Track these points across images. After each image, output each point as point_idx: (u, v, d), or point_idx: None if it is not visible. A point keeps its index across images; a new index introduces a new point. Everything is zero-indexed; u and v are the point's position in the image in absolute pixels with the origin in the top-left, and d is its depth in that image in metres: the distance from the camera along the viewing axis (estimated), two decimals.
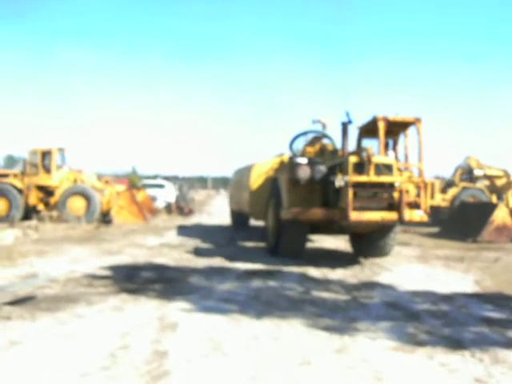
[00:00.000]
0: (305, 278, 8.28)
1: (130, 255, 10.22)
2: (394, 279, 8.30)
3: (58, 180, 18.69)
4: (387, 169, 8.81)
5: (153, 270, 8.64)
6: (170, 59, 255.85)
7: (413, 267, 9.72)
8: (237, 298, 6.65)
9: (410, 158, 10.11)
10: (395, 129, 10.15)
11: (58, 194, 18.41)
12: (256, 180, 12.52)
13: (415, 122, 9.88)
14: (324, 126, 12.03)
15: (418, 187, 9.90)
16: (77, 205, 17.78)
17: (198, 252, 11.02)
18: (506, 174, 21.39)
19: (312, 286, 7.64)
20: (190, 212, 23.51)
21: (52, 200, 18.54)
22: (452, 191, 20.77)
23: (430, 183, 11.23)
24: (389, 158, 9.19)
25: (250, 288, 7.30)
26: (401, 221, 8.86)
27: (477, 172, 21.50)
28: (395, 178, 8.80)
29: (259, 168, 12.69)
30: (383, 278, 8.47)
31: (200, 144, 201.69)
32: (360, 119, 10.50)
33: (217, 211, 28.48)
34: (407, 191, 9.21)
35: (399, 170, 9.41)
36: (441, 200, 20.61)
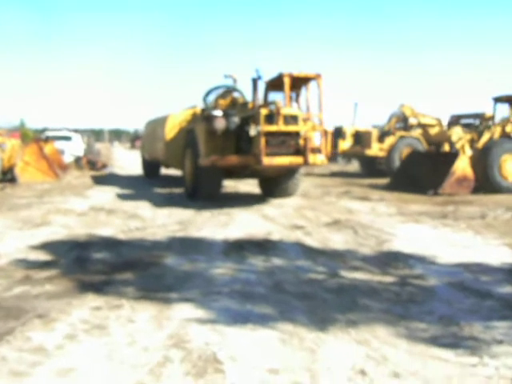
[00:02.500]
0: (307, 250, 6.47)
1: (60, 225, 7.85)
2: (414, 247, 6.70)
3: None
4: (293, 119, 9.82)
5: (105, 247, 6.43)
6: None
7: (412, 229, 8.19)
8: (254, 289, 4.71)
9: (311, 108, 10.83)
10: (298, 83, 10.87)
11: None
12: (171, 130, 12.97)
13: (316, 77, 10.59)
14: (235, 80, 12.54)
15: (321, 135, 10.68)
16: None
17: (141, 216, 8.92)
18: (439, 123, 20.57)
19: (326, 261, 5.86)
20: (104, 166, 20.77)
21: None
22: (389, 140, 19.62)
23: (330, 132, 11.07)
24: (295, 110, 10.23)
25: (256, 271, 5.37)
26: (306, 164, 9.90)
27: (411, 120, 20.50)
28: (301, 128, 9.80)
29: (173, 119, 13.11)
30: (398, 245, 6.84)
31: (91, 95, 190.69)
32: (267, 74, 11.02)
33: (125, 164, 25.96)
34: (310, 139, 10.06)
35: (303, 120, 10.15)
36: (378, 150, 19.47)
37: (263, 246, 6.60)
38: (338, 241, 7.11)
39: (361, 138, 19.82)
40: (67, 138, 24.82)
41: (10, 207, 9.75)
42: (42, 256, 5.87)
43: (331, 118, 41.82)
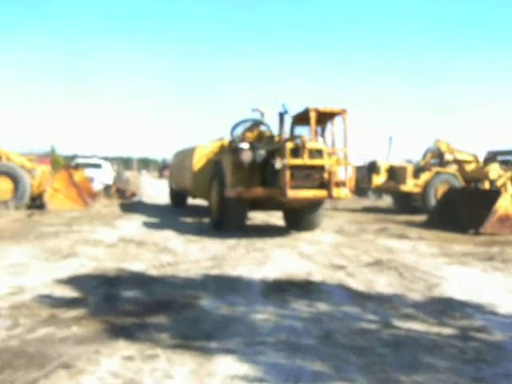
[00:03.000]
0: (352, 294, 5.98)
1: (88, 257, 7.49)
2: (467, 293, 6.17)
3: None
4: (318, 153, 10.01)
5: (135, 284, 6.03)
6: (103, 32, 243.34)
7: (460, 272, 7.63)
8: (301, 340, 4.23)
9: (337, 143, 10.94)
10: (324, 118, 10.96)
11: None
12: (198, 161, 13.22)
13: (342, 112, 10.68)
14: (262, 114, 12.70)
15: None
16: (2, 187, 14.53)
17: (173, 249, 8.55)
18: (476, 159, 19.94)
19: (375, 307, 5.37)
20: (133, 195, 20.53)
21: None
22: (424, 176, 19.03)
23: (354, 166, 11.05)
24: (320, 144, 10.41)
25: (301, 318, 4.90)
26: (330, 197, 10.04)
27: (447, 156, 19.91)
28: (325, 161, 9.99)
29: (201, 150, 13.39)
30: (449, 290, 6.31)
31: (121, 124, 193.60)
32: (294, 108, 11.27)
33: (154, 193, 25.71)
34: (335, 172, 10.24)
35: (328, 154, 10.35)
36: (413, 185, 18.85)
37: (305, 288, 6.13)
38: (383, 283, 6.61)
39: (395, 173, 19.25)
40: (97, 166, 24.73)
41: (37, 235, 9.46)
42: (69, 292, 5.49)
43: (365, 151, 41.42)
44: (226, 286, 6.14)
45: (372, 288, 6.31)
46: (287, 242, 9.92)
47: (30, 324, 4.39)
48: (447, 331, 4.63)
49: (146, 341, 4.03)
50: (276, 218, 14.05)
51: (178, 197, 17.46)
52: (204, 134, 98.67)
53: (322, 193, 9.89)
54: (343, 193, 10.40)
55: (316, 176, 9.89)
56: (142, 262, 7.32)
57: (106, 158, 32.84)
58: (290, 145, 9.85)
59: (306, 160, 9.79)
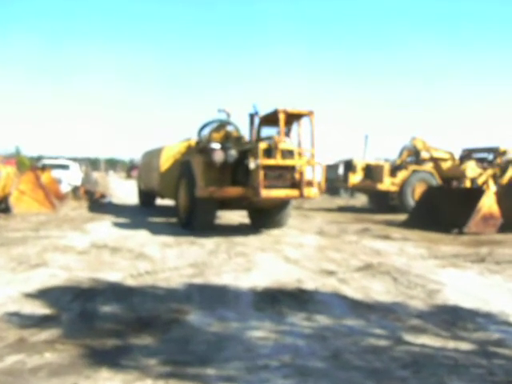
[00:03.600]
0: (351, 304, 5.52)
1: (60, 267, 6.85)
2: (472, 299, 5.79)
3: None
4: (290, 154, 10.24)
5: (113, 296, 5.45)
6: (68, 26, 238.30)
7: (456, 275, 7.26)
8: (308, 362, 3.74)
9: (302, 143, 10.99)
10: (291, 119, 11.00)
11: None
12: (165, 162, 13.35)
13: (309, 113, 10.68)
14: (228, 114, 12.83)
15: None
16: None
17: (149, 256, 7.97)
18: (452, 157, 19.83)
19: (379, 319, 4.92)
20: (102, 197, 19.76)
21: None
22: (401, 174, 18.81)
23: (324, 166, 11.07)
24: (291, 145, 10.62)
25: (303, 334, 4.40)
26: (301, 196, 10.25)
27: (423, 154, 19.73)
28: (297, 162, 10.25)
29: (168, 151, 13.51)
30: (452, 297, 5.92)
31: (86, 124, 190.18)
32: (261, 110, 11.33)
33: (122, 193, 25.03)
34: (304, 172, 10.33)
35: (299, 154, 10.51)
36: (390, 184, 18.62)
37: (299, 298, 5.64)
38: (379, 290, 6.18)
39: (372, 172, 18.96)
40: (64, 167, 23.82)
41: (3, 242, 8.75)
42: (40, 308, 4.88)
43: (339, 150, 41.24)
44: (212, 296, 5.61)
45: (369, 296, 5.87)
46: (269, 246, 9.43)
47: None
48: (465, 346, 4.20)
49: (132, 369, 3.48)
50: (240, 217, 14.05)
51: (146, 197, 17.49)
52: (171, 134, 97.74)
53: (293, 192, 10.14)
54: (313, 192, 10.62)
55: (288, 176, 10.14)
56: (118, 271, 6.72)
57: (73, 159, 31.85)
58: (262, 145, 10.05)
59: (278, 160, 10.02)
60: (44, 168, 18.72)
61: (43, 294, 5.38)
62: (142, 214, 15.18)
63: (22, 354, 3.73)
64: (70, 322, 4.50)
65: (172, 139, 13.88)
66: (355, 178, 18.94)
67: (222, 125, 12.69)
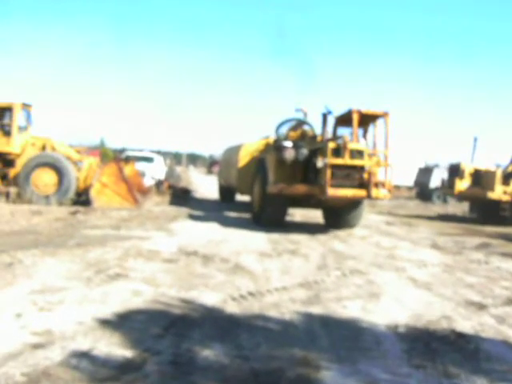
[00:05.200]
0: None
1: (143, 280, 5.64)
2: None
3: (20, 146, 13.77)
4: (359, 154, 10.21)
5: (214, 331, 4.13)
6: (151, 25, 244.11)
7: None
8: None
9: (378, 145, 11.08)
10: (366, 120, 11.10)
11: (19, 164, 13.51)
12: (243, 158, 13.81)
13: (384, 115, 10.77)
14: (305, 114, 13.00)
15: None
16: (45, 180, 13.11)
17: (248, 269, 6.73)
18: None
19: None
20: (185, 193, 18.81)
21: (11, 172, 13.54)
22: None
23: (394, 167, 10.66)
24: (361, 145, 10.61)
25: None
26: (369, 197, 10.14)
27: None
28: (366, 162, 10.18)
29: (247, 148, 14.00)
30: None
31: (169, 118, 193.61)
32: (336, 110, 11.46)
33: (204, 189, 24.14)
34: (375, 173, 10.27)
35: (369, 155, 10.49)
36: (502, 193, 16.41)
37: (461, 349, 4.12)
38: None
39: (481, 179, 16.89)
40: (149, 160, 23.10)
41: (80, 242, 7.70)
42: (118, 348, 3.59)
43: (448, 153, 38.76)
44: (344, 339, 4.17)
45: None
46: (384, 261, 7.98)
47: None
48: None
49: None
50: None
51: (227, 193, 17.93)
52: (252, 131, 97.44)
53: (361, 192, 10.06)
54: (382, 193, 10.45)
55: (356, 176, 10.10)
56: (215, 290, 5.41)
57: (158, 152, 31.34)
58: (331, 145, 10.12)
59: (346, 160, 10.01)
60: (127, 160, 18.00)
61: (123, 323, 4.13)
62: (227, 210, 14.77)
63: None
64: (158, 376, 3.18)
65: (252, 136, 14.41)
66: (462, 185, 16.94)
67: (299, 124, 12.91)
